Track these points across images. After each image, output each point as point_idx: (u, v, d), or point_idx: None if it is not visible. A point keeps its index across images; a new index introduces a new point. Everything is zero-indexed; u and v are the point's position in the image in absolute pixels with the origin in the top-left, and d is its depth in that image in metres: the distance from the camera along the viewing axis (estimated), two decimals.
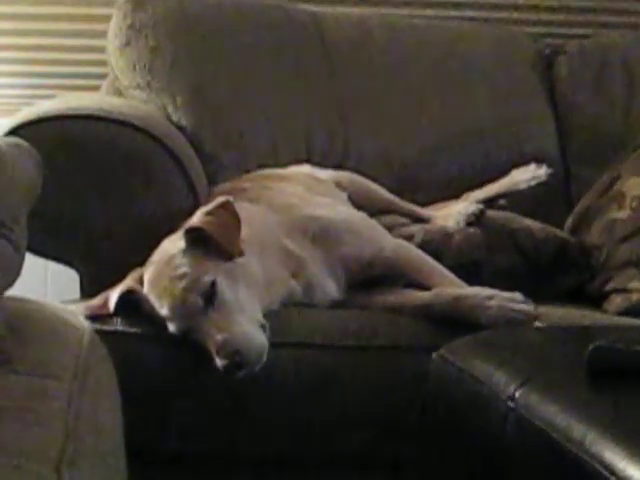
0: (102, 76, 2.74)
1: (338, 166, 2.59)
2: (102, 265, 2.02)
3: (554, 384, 1.31)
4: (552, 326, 1.83)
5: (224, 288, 1.73)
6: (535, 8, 3.23)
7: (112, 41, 2.58)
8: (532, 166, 2.58)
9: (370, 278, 2.03)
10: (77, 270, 2.09)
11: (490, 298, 1.82)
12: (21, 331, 1.31)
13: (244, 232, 1.83)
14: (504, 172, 2.60)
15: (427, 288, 1.95)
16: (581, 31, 3.20)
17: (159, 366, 1.79)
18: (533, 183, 2.53)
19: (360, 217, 2.17)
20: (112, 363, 1.47)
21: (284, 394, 1.80)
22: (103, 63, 2.68)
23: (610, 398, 1.26)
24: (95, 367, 1.37)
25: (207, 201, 1.98)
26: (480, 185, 2.59)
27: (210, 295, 1.71)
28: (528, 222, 2.33)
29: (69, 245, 2.04)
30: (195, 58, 2.61)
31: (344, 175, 2.49)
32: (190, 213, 1.87)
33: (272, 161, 2.54)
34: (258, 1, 2.82)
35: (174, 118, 2.47)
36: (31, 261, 1.49)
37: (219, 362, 1.64)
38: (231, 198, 1.89)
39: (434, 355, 1.57)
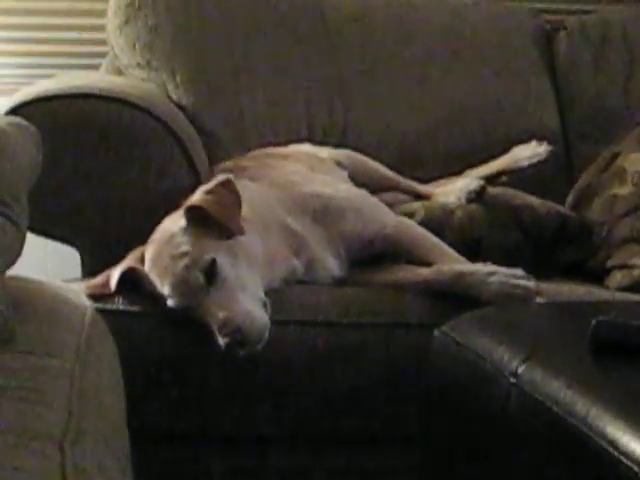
0: (102, 55, 2.73)
1: (338, 143, 2.59)
2: (103, 244, 2.02)
3: (556, 360, 1.31)
4: (554, 302, 1.83)
5: (225, 266, 1.72)
6: None
7: (112, 20, 2.57)
8: (533, 143, 2.57)
9: (371, 255, 2.03)
10: (78, 249, 2.08)
11: (491, 274, 1.83)
12: (23, 310, 1.31)
13: (245, 210, 1.83)
14: (505, 148, 2.59)
15: (428, 265, 1.95)
16: (581, 7, 3.18)
17: (160, 344, 1.79)
18: (534, 161, 2.52)
19: (361, 194, 2.16)
20: (114, 341, 1.48)
21: (286, 372, 1.80)
22: (103, 42, 2.67)
23: (613, 373, 1.27)
24: (97, 346, 1.37)
25: (208, 179, 1.98)
26: (481, 161, 2.58)
27: (211, 273, 1.70)
28: (529, 198, 2.33)
29: (69, 224, 2.04)
30: (195, 36, 2.60)
31: (344, 153, 2.48)
32: (191, 191, 1.87)
33: (272, 138, 2.54)
34: None
35: (174, 96, 2.47)
36: (31, 240, 1.49)
37: (221, 340, 1.64)
38: (232, 176, 1.89)
39: (436, 332, 1.58)
